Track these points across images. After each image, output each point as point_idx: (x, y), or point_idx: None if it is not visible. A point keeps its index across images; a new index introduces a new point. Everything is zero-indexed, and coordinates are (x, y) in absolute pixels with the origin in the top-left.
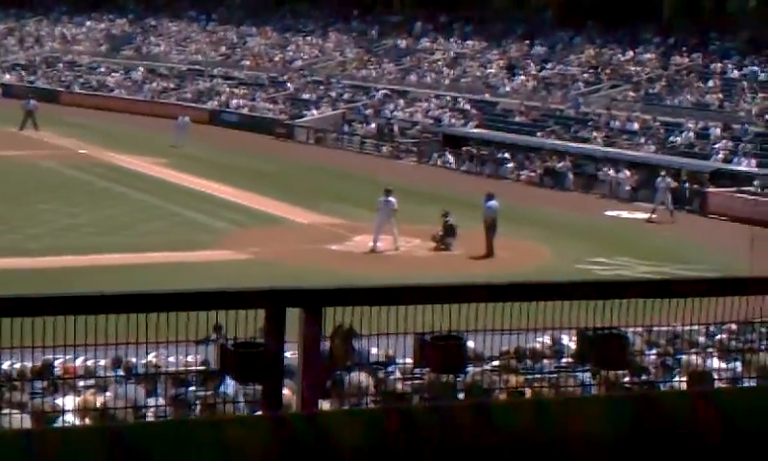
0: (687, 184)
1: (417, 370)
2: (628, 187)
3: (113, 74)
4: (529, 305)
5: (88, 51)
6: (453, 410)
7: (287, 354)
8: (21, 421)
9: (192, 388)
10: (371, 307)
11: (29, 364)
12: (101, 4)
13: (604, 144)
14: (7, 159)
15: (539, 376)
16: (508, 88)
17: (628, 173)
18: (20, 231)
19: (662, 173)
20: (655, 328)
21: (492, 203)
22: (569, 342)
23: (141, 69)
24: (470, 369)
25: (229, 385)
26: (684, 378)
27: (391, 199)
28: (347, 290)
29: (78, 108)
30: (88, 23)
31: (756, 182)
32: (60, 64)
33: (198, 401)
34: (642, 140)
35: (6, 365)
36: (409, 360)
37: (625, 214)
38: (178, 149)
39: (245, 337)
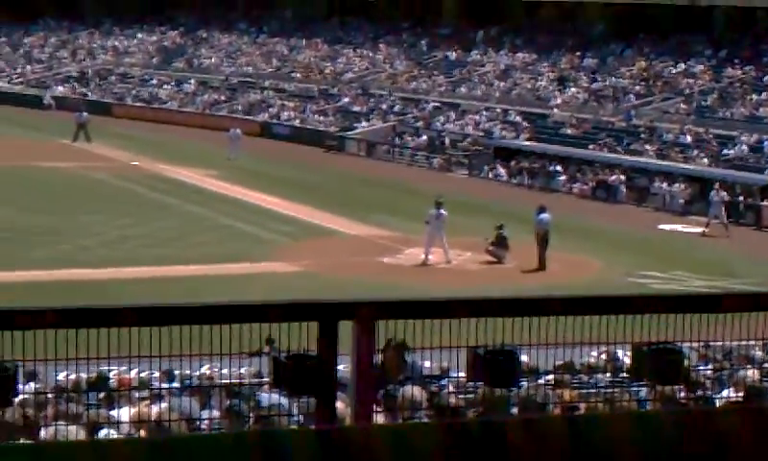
0: (741, 198)
1: (470, 383)
2: (681, 200)
3: (165, 86)
4: (582, 319)
5: (140, 63)
6: (506, 425)
7: (340, 367)
8: (76, 432)
9: (246, 400)
10: (423, 320)
11: (84, 375)
12: (153, 16)
13: (657, 157)
14: (59, 171)
15: (593, 390)
16: (559, 101)
17: (681, 186)
18: (72, 243)
19: (716, 186)
20: (710, 343)
21: (545, 215)
22: (624, 356)
23: (193, 81)
24: (524, 383)
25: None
26: (741, 394)
27: (442, 211)
28: (399, 303)
29: (130, 120)
30: (140, 35)
31: None
32: (113, 77)
33: (251, 413)
34: (695, 153)
35: (61, 376)
36: (462, 374)
37: (678, 228)
38: (229, 161)
39: (298, 349)
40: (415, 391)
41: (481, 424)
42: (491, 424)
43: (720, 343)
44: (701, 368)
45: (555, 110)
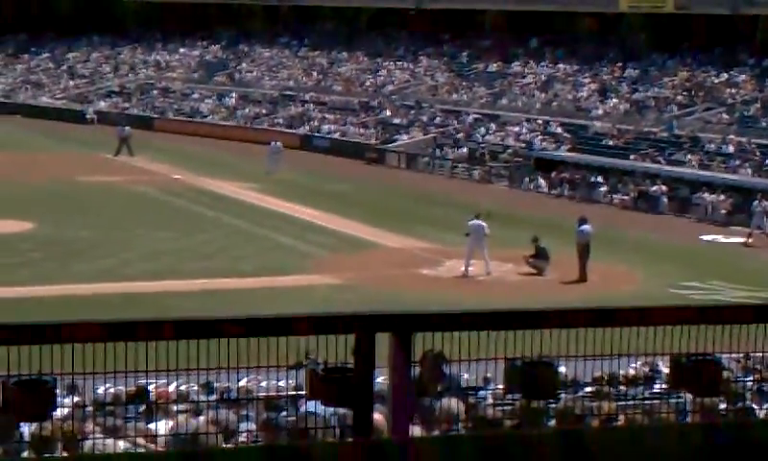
0: None
1: (508, 395)
2: (723, 211)
3: (207, 100)
4: (622, 330)
5: (182, 78)
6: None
7: (378, 380)
8: (114, 446)
9: (284, 413)
10: (461, 332)
11: (123, 388)
12: (194, 31)
13: (699, 167)
14: (102, 185)
15: (632, 402)
16: (600, 111)
17: (723, 196)
18: (115, 256)
19: (758, 197)
20: (751, 354)
21: (586, 227)
22: (664, 368)
23: (234, 95)
24: (563, 395)
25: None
26: None
27: (482, 223)
28: (436, 315)
29: (171, 134)
30: (182, 50)
31: None
32: (154, 91)
33: (288, 426)
34: (738, 163)
35: (101, 390)
36: (500, 386)
37: (721, 238)
38: (270, 174)
39: (336, 362)
40: (452, 403)
41: (514, 436)
42: (524, 437)
43: (762, 354)
44: (742, 379)
45: (596, 123)
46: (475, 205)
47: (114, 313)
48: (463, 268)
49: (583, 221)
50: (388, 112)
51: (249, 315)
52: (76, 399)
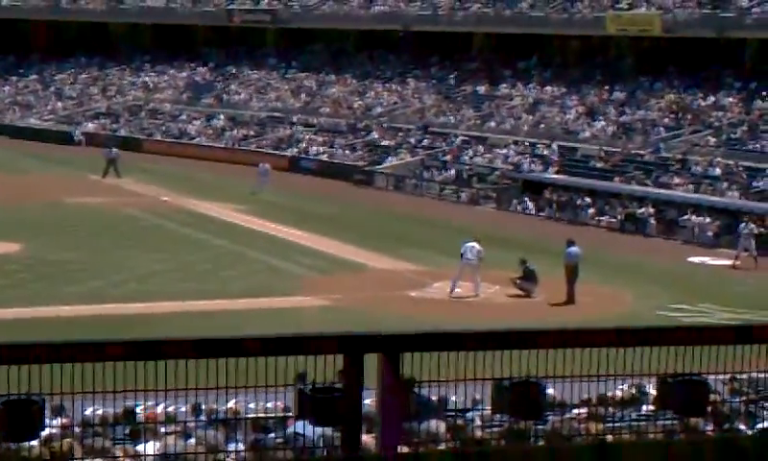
0: None
1: (496, 416)
2: (710, 233)
3: (194, 122)
4: (609, 352)
5: (170, 99)
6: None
7: (366, 401)
8: None
9: (272, 435)
10: (448, 353)
11: (111, 410)
12: (182, 53)
13: (686, 189)
14: (90, 207)
15: (619, 424)
16: (587, 134)
17: (710, 219)
18: (103, 278)
19: (746, 219)
20: (739, 376)
21: (574, 249)
22: (652, 389)
23: (222, 117)
24: (550, 416)
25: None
26: None
27: (475, 245)
28: (424, 335)
29: (160, 155)
30: (171, 72)
31: None
32: (143, 113)
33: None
34: (725, 185)
35: (88, 411)
36: (488, 407)
37: (708, 260)
38: (258, 195)
39: (324, 382)
40: (432, 425)
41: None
42: (504, 452)
43: (748, 375)
44: (729, 400)
45: (583, 145)
46: (467, 227)
47: (103, 335)
48: (449, 289)
49: (571, 243)
50: (375, 134)
51: (236, 336)
52: (63, 420)
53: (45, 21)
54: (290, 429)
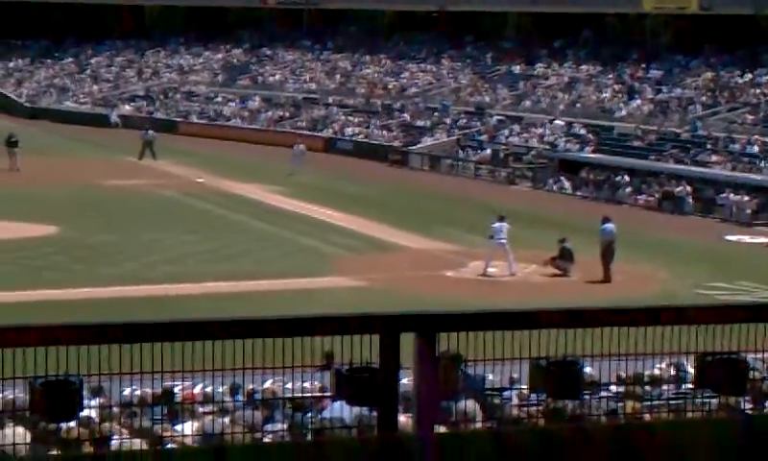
0: None
1: (533, 395)
2: (748, 211)
3: (230, 104)
4: (646, 330)
5: (205, 81)
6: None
7: (403, 380)
8: (141, 445)
9: (309, 414)
10: (485, 333)
11: (149, 390)
12: (217, 35)
13: (723, 168)
14: (126, 189)
15: (657, 402)
16: (624, 112)
17: (747, 197)
18: (138, 260)
19: None
20: None
21: (609, 226)
22: (690, 367)
23: (257, 98)
24: (587, 395)
25: (338, 409)
26: None
27: (504, 224)
28: (460, 315)
29: (195, 137)
30: (205, 54)
31: None
32: (178, 95)
33: (312, 426)
34: (762, 164)
35: (127, 391)
36: (525, 386)
37: (746, 239)
38: (294, 177)
39: (360, 362)
40: (469, 405)
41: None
42: (541, 432)
43: None
44: None
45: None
46: (498, 207)
47: (138, 316)
48: (483, 269)
49: (606, 220)
50: (411, 114)
51: (272, 316)
52: (102, 400)
53: (80, 4)
54: (326, 413)
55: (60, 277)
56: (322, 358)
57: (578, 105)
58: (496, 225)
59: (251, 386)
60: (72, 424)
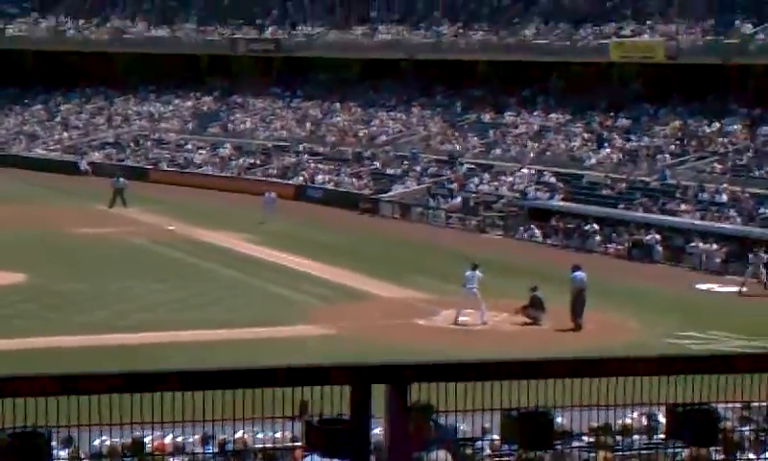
0: None
1: (505, 446)
2: (718, 260)
3: (200, 151)
4: (617, 380)
5: (176, 128)
6: None
7: (375, 431)
8: None
9: None
10: (457, 383)
11: (119, 441)
12: (187, 82)
13: (692, 216)
14: (96, 236)
15: (629, 452)
16: (593, 161)
17: (717, 245)
18: (110, 308)
19: (755, 248)
20: (751, 404)
21: (579, 274)
22: (662, 418)
23: (228, 146)
24: (559, 446)
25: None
26: None
27: (477, 273)
28: (432, 366)
29: (166, 185)
30: (176, 101)
31: None
32: (148, 142)
33: None
34: (731, 212)
35: (96, 442)
36: (497, 436)
37: (716, 287)
38: (264, 224)
39: (331, 413)
40: (440, 455)
41: None
42: None
43: (761, 404)
44: (740, 429)
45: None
46: (471, 255)
47: (109, 365)
48: (455, 317)
49: (576, 268)
50: (381, 163)
51: (244, 366)
52: (71, 451)
53: (50, 52)
54: None
55: (28, 325)
56: (294, 409)
57: (548, 153)
58: (468, 273)
59: (222, 436)
60: None
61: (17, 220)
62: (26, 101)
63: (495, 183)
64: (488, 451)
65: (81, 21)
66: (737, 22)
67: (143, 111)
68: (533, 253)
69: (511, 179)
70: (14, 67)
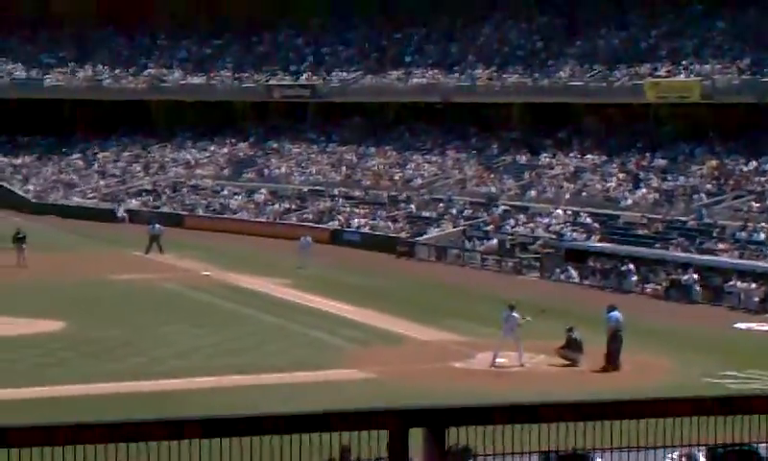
0: None
1: None
2: (756, 299)
3: (236, 197)
4: (656, 422)
5: (211, 175)
6: None
7: None
8: None
9: None
10: (494, 426)
11: None
12: (223, 128)
13: (730, 255)
14: (133, 283)
15: None
16: (629, 201)
17: (755, 284)
18: (145, 354)
19: None
20: None
21: (614, 314)
22: (702, 458)
23: (263, 191)
24: None
25: None
26: None
27: (514, 314)
28: (470, 409)
29: (201, 230)
30: (212, 148)
31: None
32: (185, 189)
33: None
34: None
35: None
36: None
37: (755, 326)
38: (301, 269)
39: (370, 457)
40: None
41: None
42: None
43: None
44: None
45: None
46: (507, 297)
47: (146, 411)
48: (491, 359)
49: (611, 308)
50: (416, 205)
51: (283, 412)
52: None
53: (87, 101)
54: None
55: (66, 372)
56: (330, 454)
57: (584, 193)
58: (505, 313)
59: None
60: None
61: (56, 268)
62: (64, 149)
63: (531, 225)
64: None
65: (117, 70)
66: None
67: (179, 158)
68: (570, 294)
69: (547, 220)
70: (53, 117)
